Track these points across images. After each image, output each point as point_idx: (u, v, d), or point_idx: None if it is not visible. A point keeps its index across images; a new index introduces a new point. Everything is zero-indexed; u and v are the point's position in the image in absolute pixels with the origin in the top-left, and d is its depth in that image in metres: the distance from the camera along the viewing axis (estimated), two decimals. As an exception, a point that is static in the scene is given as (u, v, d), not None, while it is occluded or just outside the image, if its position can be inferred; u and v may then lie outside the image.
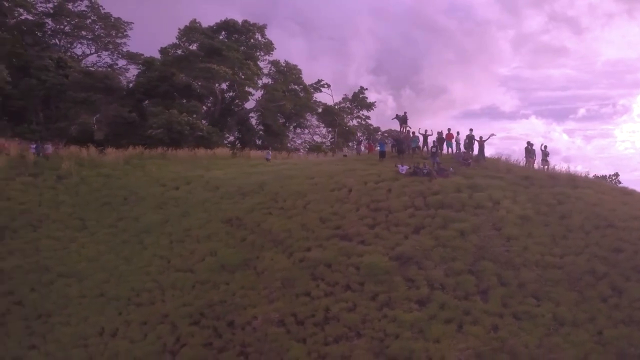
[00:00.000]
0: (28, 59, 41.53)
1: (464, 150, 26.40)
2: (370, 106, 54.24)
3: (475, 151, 26.22)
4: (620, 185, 25.48)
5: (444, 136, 27.93)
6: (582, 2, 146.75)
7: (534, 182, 22.85)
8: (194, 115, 39.57)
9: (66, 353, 19.63)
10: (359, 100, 53.47)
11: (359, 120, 55.32)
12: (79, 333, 20.30)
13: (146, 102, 44.98)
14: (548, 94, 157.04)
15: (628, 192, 23.84)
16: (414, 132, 28.59)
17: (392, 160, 26.82)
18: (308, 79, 51.73)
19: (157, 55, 47.71)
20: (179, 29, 45.06)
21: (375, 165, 26.20)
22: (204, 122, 41.76)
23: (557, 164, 26.07)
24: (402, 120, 29.86)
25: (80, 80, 40.70)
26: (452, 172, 23.43)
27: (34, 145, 32.54)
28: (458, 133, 27.93)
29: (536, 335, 16.03)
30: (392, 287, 17.34)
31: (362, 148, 34.46)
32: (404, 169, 23.82)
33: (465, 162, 24.99)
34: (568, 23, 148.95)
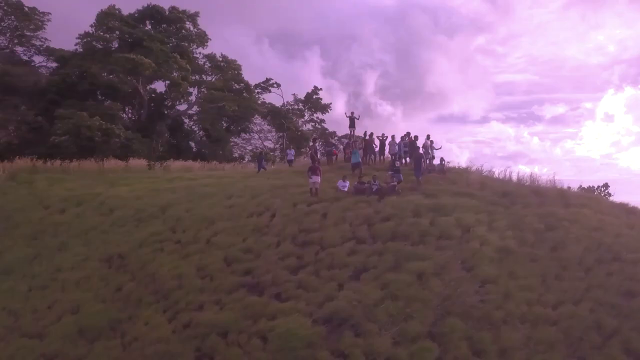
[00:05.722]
0: None
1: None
2: (325, 108, 48.35)
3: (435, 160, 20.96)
4: (617, 200, 20.18)
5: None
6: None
7: (516, 201, 17.54)
8: (110, 120, 33.19)
9: None
10: (312, 102, 47.58)
11: (313, 124, 49.56)
12: None
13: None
14: (514, 99, 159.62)
15: (631, 211, 18.75)
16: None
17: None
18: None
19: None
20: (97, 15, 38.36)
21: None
22: (122, 127, 35.33)
23: (523, 167, 21.13)
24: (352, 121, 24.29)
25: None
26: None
27: None
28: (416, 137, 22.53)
29: None
30: (314, 370, 11.61)
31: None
32: (345, 185, 18.15)
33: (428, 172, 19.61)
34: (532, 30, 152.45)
